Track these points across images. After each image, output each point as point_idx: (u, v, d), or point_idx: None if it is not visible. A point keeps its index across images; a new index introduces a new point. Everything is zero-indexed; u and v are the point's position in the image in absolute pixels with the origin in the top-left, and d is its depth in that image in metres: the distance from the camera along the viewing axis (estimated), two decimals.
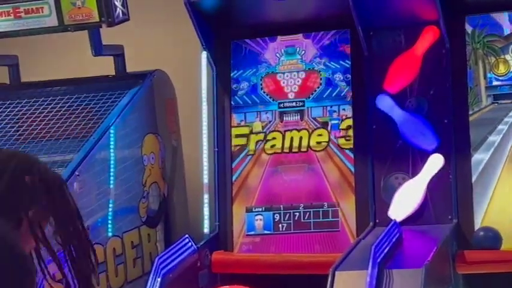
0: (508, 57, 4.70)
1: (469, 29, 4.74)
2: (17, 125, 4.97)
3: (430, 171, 4.64)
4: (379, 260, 4.04)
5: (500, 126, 4.67)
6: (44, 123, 4.92)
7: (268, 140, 4.99)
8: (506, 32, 4.71)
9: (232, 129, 5.06)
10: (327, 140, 4.89)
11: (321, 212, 4.83)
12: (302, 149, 4.93)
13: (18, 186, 2.48)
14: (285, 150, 4.96)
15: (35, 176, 2.52)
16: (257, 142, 5.00)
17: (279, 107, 5.01)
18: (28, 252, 2.53)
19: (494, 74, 4.72)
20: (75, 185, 4.41)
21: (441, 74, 4.71)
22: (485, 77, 4.72)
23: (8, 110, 5.05)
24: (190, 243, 4.67)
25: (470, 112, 4.69)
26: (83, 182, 4.49)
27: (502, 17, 4.73)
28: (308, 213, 4.85)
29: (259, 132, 5.01)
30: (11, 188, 2.46)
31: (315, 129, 4.93)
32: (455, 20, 4.73)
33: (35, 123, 4.93)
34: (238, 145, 5.03)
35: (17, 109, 5.04)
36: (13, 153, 2.68)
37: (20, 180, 2.48)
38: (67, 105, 4.97)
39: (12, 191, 2.47)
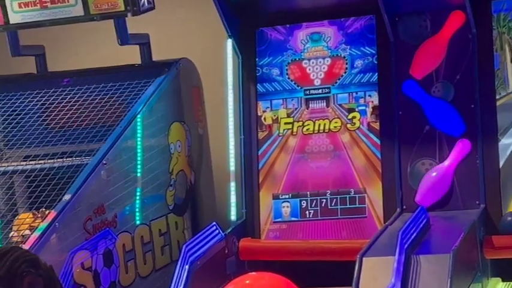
0: None
1: (494, 12, 4.72)
2: (45, 115, 4.99)
3: (457, 156, 4.63)
4: (406, 246, 4.03)
5: None
6: (71, 112, 4.93)
7: (295, 127, 4.98)
8: None
9: (258, 115, 5.06)
10: (353, 126, 4.88)
11: (347, 199, 4.83)
12: (328, 136, 4.92)
13: (16, 276, 2.47)
14: (311, 137, 4.95)
15: (36, 270, 2.51)
16: (283, 129, 4.99)
17: (305, 94, 5.00)
18: None
19: None
20: (103, 173, 4.44)
21: (467, 59, 4.69)
22: None
23: (36, 99, 5.06)
24: (217, 231, 4.68)
25: (497, 97, 4.67)
26: (110, 170, 4.50)
27: None
28: (335, 199, 4.85)
29: (285, 119, 5.00)
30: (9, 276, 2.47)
31: (341, 115, 4.92)
32: (481, 5, 4.70)
33: (62, 113, 4.95)
34: (264, 132, 5.03)
35: (44, 98, 5.05)
36: (14, 249, 2.62)
37: (19, 270, 2.46)
38: (93, 94, 4.98)
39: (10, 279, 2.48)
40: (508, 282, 4.47)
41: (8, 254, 2.55)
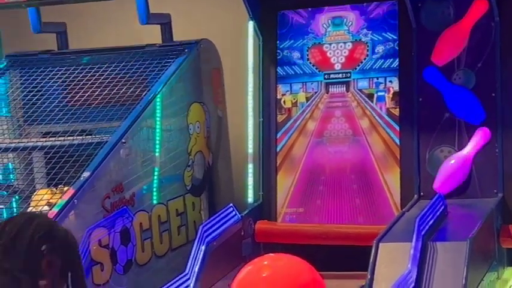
0: None
1: None
2: (65, 92, 5.01)
3: (477, 144, 4.62)
4: (423, 232, 4.05)
5: None
6: (91, 90, 4.94)
7: (314, 112, 4.98)
8: None
9: (277, 99, 5.06)
10: (373, 112, 4.88)
11: (365, 184, 4.83)
12: (347, 121, 4.92)
13: (35, 255, 2.51)
14: (330, 121, 4.95)
15: (53, 243, 2.54)
16: (303, 113, 5.00)
17: (325, 78, 4.99)
18: None
19: None
20: (122, 151, 4.46)
21: (490, 47, 4.68)
22: None
23: (56, 76, 5.08)
24: (234, 212, 4.70)
25: None
26: (129, 149, 4.52)
27: None
28: (352, 185, 4.85)
29: (304, 104, 5.00)
30: (28, 256, 2.50)
31: (361, 100, 4.91)
32: None
33: (82, 90, 4.96)
34: (283, 115, 5.03)
35: (65, 76, 5.07)
36: (32, 218, 2.64)
37: (37, 248, 2.50)
38: (114, 72, 4.98)
39: (30, 260, 2.50)
40: None
41: (25, 228, 2.55)
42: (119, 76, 4.95)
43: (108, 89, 4.90)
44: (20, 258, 2.49)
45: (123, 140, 4.47)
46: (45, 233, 2.54)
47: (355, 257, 4.06)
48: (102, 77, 4.98)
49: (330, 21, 5.02)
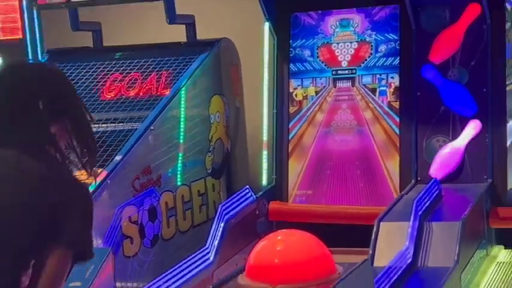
0: None
1: (508, 6, 4.69)
2: (99, 84, 5.01)
3: (469, 135, 4.62)
4: (420, 213, 4.06)
5: None
6: (122, 84, 4.96)
7: (322, 104, 4.99)
8: None
9: (289, 92, 5.05)
10: (375, 105, 4.88)
11: (368, 169, 4.83)
12: (352, 112, 4.92)
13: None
14: (336, 113, 4.95)
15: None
16: (312, 106, 5.00)
17: (333, 74, 4.99)
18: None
19: None
20: (150, 138, 4.48)
21: (481, 47, 4.68)
22: None
23: (92, 70, 5.09)
24: (250, 194, 4.71)
25: (508, 82, 4.65)
26: (156, 136, 4.54)
27: None
28: (356, 170, 4.85)
29: (313, 97, 5.00)
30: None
31: (365, 94, 4.92)
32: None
33: (114, 84, 4.97)
34: (295, 107, 5.03)
35: (99, 70, 5.08)
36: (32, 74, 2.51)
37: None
38: (144, 67, 4.99)
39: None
40: (510, 250, 4.46)
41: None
42: (148, 70, 4.96)
43: (138, 81, 4.91)
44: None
45: (152, 128, 4.50)
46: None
47: (358, 234, 4.05)
48: (133, 71, 4.99)
49: (337, 22, 5.02)
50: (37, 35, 5.53)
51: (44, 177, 2.34)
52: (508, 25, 4.67)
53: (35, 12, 5.24)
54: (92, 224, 2.42)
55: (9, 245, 2.28)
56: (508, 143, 4.59)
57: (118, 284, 3.86)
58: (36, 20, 5.42)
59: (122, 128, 4.59)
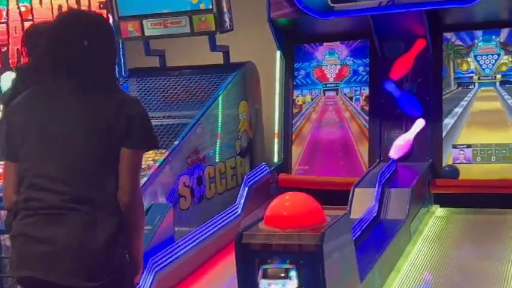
0: (469, 59, 4.65)
1: (444, 42, 4.69)
2: (164, 93, 5.00)
3: (416, 129, 4.63)
4: (382, 182, 4.07)
5: (461, 102, 4.62)
6: (180, 91, 4.96)
7: (315, 107, 4.98)
8: (468, 43, 4.65)
9: (293, 99, 5.06)
10: (352, 108, 4.88)
11: (346, 152, 4.83)
12: (336, 113, 4.92)
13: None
14: (325, 113, 4.95)
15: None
16: (308, 108, 4.99)
17: (323, 87, 5.00)
18: None
19: (460, 70, 4.67)
20: (198, 129, 4.48)
21: (426, 68, 4.68)
22: (454, 71, 4.67)
23: (158, 83, 5.09)
24: (265, 168, 4.74)
25: (444, 93, 4.66)
26: (203, 127, 4.55)
27: (467, 34, 4.67)
28: (338, 153, 4.86)
29: (309, 102, 4.99)
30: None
31: (345, 101, 4.91)
32: (437, 36, 4.68)
33: (174, 92, 4.98)
34: (296, 109, 5.03)
35: (164, 83, 5.07)
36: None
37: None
38: (194, 81, 4.99)
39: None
40: (444, 208, 4.46)
41: None
42: (197, 83, 4.96)
43: (190, 91, 4.93)
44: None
45: (199, 122, 4.51)
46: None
47: (340, 196, 4.05)
48: (187, 84, 4.99)
49: (326, 51, 5.02)
50: (121, 58, 5.58)
51: (120, 98, 2.26)
52: (444, 54, 4.68)
53: (120, 42, 5.28)
54: (151, 125, 2.31)
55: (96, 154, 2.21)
56: (443, 135, 4.60)
57: (176, 228, 3.86)
58: (121, 48, 5.46)
59: (179, 122, 4.59)
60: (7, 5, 5.98)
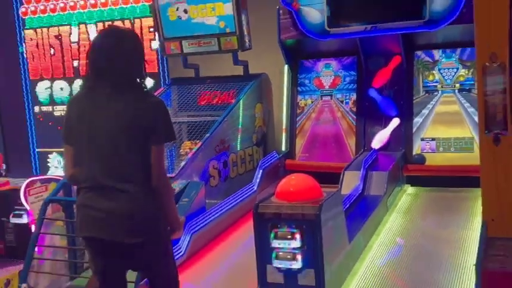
0: (434, 72, 4.61)
1: (416, 58, 4.66)
2: (197, 98, 5.00)
3: (392, 126, 4.61)
4: (366, 166, 4.06)
5: (428, 105, 4.59)
6: (210, 96, 4.96)
7: (314, 108, 4.97)
8: (434, 59, 4.62)
9: (297, 102, 5.04)
10: (343, 109, 4.86)
11: (338, 144, 4.82)
12: (330, 113, 4.91)
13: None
14: (322, 113, 4.94)
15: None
16: (309, 109, 4.98)
17: (321, 93, 4.98)
18: None
19: (427, 80, 4.63)
20: (224, 125, 4.45)
21: (401, 79, 4.66)
22: (422, 81, 4.64)
23: (192, 90, 5.08)
24: (276, 155, 4.75)
25: (414, 98, 4.63)
26: (227, 124, 4.52)
27: (433, 52, 4.63)
28: (332, 143, 4.84)
29: (310, 105, 4.98)
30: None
31: (338, 104, 4.90)
32: (410, 53, 4.66)
33: (205, 96, 4.97)
34: (299, 110, 5.02)
35: (198, 89, 5.07)
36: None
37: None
38: (221, 88, 4.98)
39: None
40: (414, 187, 4.44)
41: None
42: (223, 90, 4.95)
43: (218, 96, 4.93)
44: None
45: (225, 120, 4.48)
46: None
47: (333, 177, 4.03)
48: (216, 90, 4.98)
49: (323, 65, 5.00)
50: (165, 70, 5.59)
51: (146, 103, 2.26)
52: (415, 68, 4.65)
53: (164, 58, 5.28)
54: (171, 123, 2.31)
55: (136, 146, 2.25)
56: (414, 130, 4.57)
57: (207, 201, 3.85)
58: (165, 62, 5.47)
59: (209, 119, 4.59)
60: (78, 27, 6.02)
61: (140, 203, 2.24)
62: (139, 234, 2.24)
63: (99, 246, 2.28)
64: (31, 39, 6.29)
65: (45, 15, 6.16)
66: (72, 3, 6.01)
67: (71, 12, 6.02)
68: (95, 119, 2.26)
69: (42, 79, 6.32)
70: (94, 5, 5.93)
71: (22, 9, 6.24)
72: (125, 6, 5.80)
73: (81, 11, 6.01)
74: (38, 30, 6.23)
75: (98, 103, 2.26)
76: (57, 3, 6.09)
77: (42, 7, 6.15)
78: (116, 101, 2.25)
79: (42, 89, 6.35)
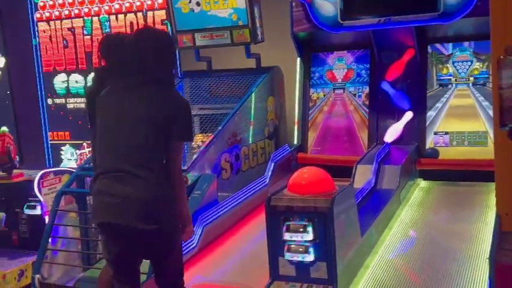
0: (448, 65, 4.58)
1: (429, 51, 4.63)
2: (209, 89, 5.01)
3: (406, 119, 4.59)
4: (378, 160, 4.05)
5: (441, 99, 4.57)
6: (222, 88, 4.96)
7: (327, 102, 4.96)
8: (448, 52, 4.59)
9: (309, 95, 5.03)
10: (355, 102, 4.85)
11: (351, 137, 4.81)
12: (343, 106, 4.90)
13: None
14: (334, 106, 4.93)
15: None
16: (321, 102, 4.97)
17: (333, 86, 4.97)
18: None
19: (441, 73, 4.60)
20: (236, 117, 4.44)
21: (414, 72, 4.64)
22: (436, 74, 4.61)
23: (205, 82, 5.09)
24: (288, 148, 4.74)
25: (428, 91, 4.61)
26: (239, 117, 4.52)
27: (447, 45, 4.60)
28: (344, 137, 4.83)
29: (322, 98, 4.98)
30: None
31: (350, 97, 4.88)
32: (423, 46, 4.63)
33: (218, 89, 4.98)
34: (312, 103, 5.01)
35: (210, 82, 5.07)
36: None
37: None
38: (233, 81, 4.98)
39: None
40: (426, 181, 4.43)
41: None
42: (236, 82, 4.94)
43: (230, 88, 4.92)
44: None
45: (237, 112, 4.47)
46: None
47: (345, 171, 4.03)
48: (228, 83, 4.98)
49: (336, 58, 4.99)
50: (178, 62, 5.59)
51: (170, 99, 2.34)
52: (428, 61, 4.62)
53: (177, 50, 5.28)
54: (191, 124, 2.41)
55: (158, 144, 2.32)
56: (427, 124, 4.55)
57: (219, 193, 3.86)
58: (178, 55, 5.46)
59: (221, 112, 4.58)
60: (91, 22, 6.05)
61: (156, 190, 2.28)
62: (154, 221, 2.27)
63: (113, 232, 2.31)
64: (44, 32, 6.32)
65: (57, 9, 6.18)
66: (86, 10, 6.03)
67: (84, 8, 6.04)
68: (121, 109, 2.33)
69: (56, 72, 6.36)
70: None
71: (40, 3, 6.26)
72: None
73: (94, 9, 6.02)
74: (51, 22, 6.26)
75: (125, 96, 2.35)
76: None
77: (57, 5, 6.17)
78: (142, 96, 2.34)
79: (59, 81, 6.39)
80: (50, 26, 6.28)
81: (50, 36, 6.29)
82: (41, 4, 6.25)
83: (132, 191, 2.26)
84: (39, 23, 6.31)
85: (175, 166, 2.34)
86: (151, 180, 2.28)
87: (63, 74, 6.31)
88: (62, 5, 6.15)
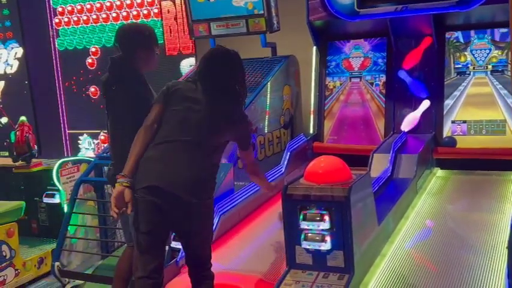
0: (466, 53, 4.54)
1: (447, 38, 4.58)
2: None
3: (423, 108, 4.57)
4: (395, 149, 4.05)
5: (459, 87, 4.53)
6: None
7: (343, 91, 4.95)
8: (465, 40, 4.55)
9: (326, 84, 5.02)
10: (372, 91, 4.83)
11: (367, 126, 4.80)
12: (359, 94, 4.88)
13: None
14: (351, 95, 4.92)
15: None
16: (338, 91, 4.96)
17: (350, 75, 4.96)
18: None
19: (458, 61, 4.56)
20: (252, 107, 4.46)
21: (432, 60, 4.61)
22: (454, 62, 4.57)
23: None
24: (303, 137, 4.75)
25: (445, 79, 4.58)
26: (255, 106, 4.53)
27: (465, 33, 4.56)
28: (361, 126, 4.83)
29: (338, 87, 4.97)
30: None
31: (367, 86, 4.87)
32: (441, 34, 4.59)
33: None
34: (328, 92, 5.00)
35: None
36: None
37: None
38: (249, 70, 4.96)
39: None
40: (443, 170, 4.42)
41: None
42: (252, 71, 4.94)
43: (248, 77, 4.89)
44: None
45: (253, 102, 4.49)
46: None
47: (362, 160, 4.02)
48: (246, 72, 4.98)
49: (353, 46, 4.97)
50: (196, 51, 5.60)
51: (236, 113, 2.73)
52: (446, 49, 4.58)
53: (193, 39, 5.29)
54: (249, 136, 2.85)
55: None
56: (444, 112, 4.53)
57: (235, 183, 3.89)
58: (195, 44, 5.48)
59: None
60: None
61: (204, 168, 2.58)
62: (200, 196, 2.51)
63: (155, 196, 2.44)
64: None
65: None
66: (104, 15, 6.06)
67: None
68: (192, 108, 2.62)
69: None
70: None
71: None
72: None
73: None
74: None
75: (197, 98, 2.67)
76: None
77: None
78: (210, 100, 2.67)
79: None
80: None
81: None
82: (60, 10, 6.30)
83: (182, 162, 2.50)
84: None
85: (253, 167, 3.01)
86: (201, 160, 2.56)
87: None
88: (80, 11, 6.19)
